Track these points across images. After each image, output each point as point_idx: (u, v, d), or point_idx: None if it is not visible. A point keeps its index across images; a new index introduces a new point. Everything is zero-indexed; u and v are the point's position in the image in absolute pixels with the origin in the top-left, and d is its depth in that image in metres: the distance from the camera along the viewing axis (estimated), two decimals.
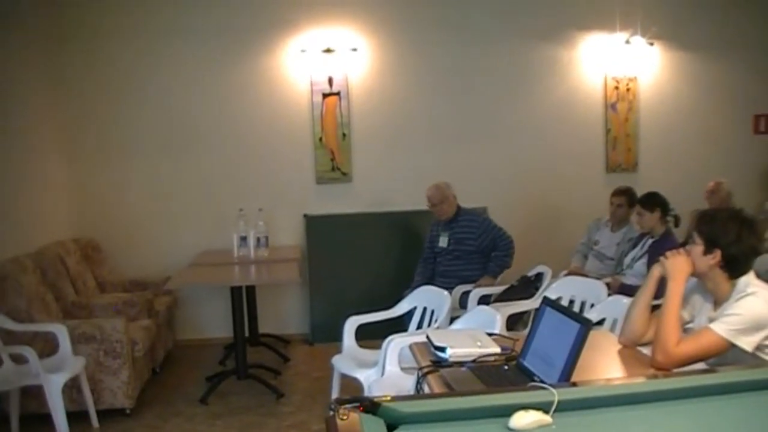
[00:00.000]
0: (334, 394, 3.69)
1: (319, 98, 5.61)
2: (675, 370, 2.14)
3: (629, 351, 2.39)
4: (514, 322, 4.11)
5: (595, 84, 5.96)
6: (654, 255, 3.91)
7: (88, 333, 3.94)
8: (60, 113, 5.41)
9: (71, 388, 3.82)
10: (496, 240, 4.76)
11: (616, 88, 5.97)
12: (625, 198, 4.85)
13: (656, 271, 2.40)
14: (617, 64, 5.93)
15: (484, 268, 4.78)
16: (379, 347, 3.36)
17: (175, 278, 4.65)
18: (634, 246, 4.56)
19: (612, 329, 3.04)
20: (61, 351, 3.82)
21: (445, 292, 3.78)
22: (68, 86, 5.43)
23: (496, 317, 3.07)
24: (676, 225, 4.43)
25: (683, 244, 2.39)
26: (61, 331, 3.83)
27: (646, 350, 2.34)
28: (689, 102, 6.08)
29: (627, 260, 4.54)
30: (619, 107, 5.99)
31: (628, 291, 3.82)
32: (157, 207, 5.60)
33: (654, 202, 4.36)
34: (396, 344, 3.17)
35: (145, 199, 5.60)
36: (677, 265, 2.32)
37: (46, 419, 3.63)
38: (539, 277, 4.57)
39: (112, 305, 4.51)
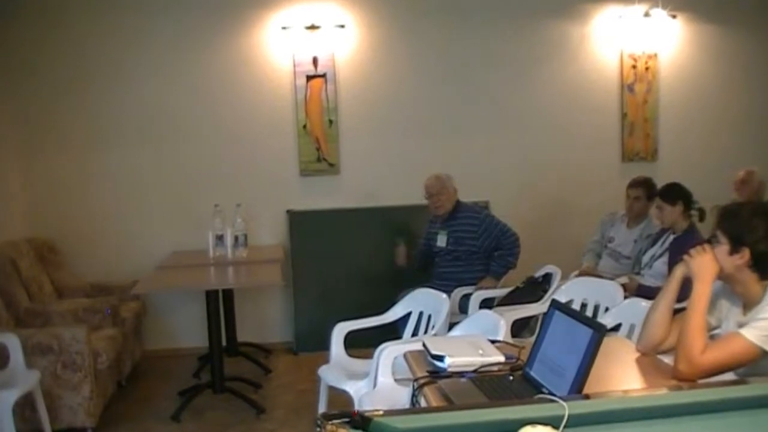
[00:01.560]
0: (321, 409, 3.70)
1: (302, 81, 5.59)
2: (700, 381, 2.13)
3: (648, 359, 2.39)
4: (519, 328, 4.11)
5: (610, 63, 5.96)
6: (676, 253, 3.92)
7: (43, 343, 3.91)
8: (12, 98, 5.38)
9: (23, 405, 3.78)
10: (500, 238, 4.77)
11: (634, 67, 5.97)
12: (643, 190, 4.85)
13: (679, 271, 2.40)
14: (635, 40, 5.93)
15: (486, 269, 4.79)
16: (370, 356, 3.37)
17: (143, 282, 4.64)
18: (653, 243, 4.56)
19: (629, 335, 3.05)
20: (11, 364, 3.78)
21: (444, 295, 3.78)
22: (22, 68, 5.39)
23: (499, 323, 3.06)
24: (701, 219, 4.42)
25: (708, 241, 2.37)
26: (11, 342, 3.79)
27: (667, 359, 2.34)
28: (716, 82, 6.08)
29: (645, 259, 4.54)
30: (637, 88, 5.98)
31: (647, 293, 3.83)
32: (122, 203, 5.59)
33: (676, 194, 4.36)
34: (389, 353, 3.18)
35: (108, 194, 5.58)
36: (703, 265, 2.31)
37: None
38: (547, 278, 4.58)
39: (72, 312, 4.48)
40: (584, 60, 5.93)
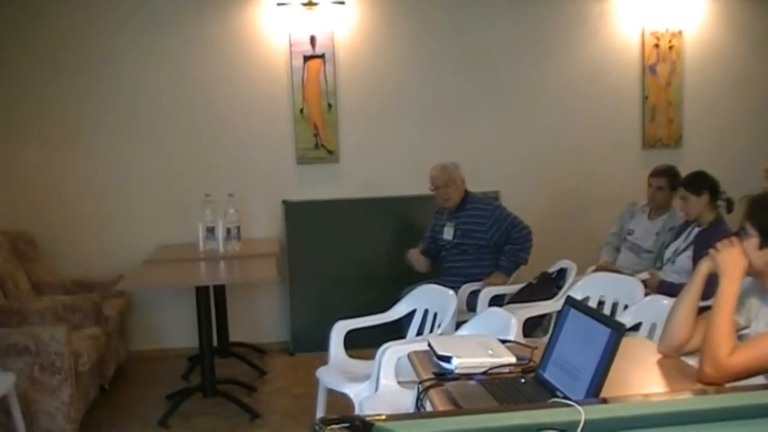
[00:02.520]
0: (319, 413, 3.70)
1: (299, 61, 5.57)
2: (728, 385, 2.12)
3: (671, 361, 2.38)
4: (532, 327, 4.12)
5: (631, 41, 5.93)
6: (701, 247, 3.91)
7: (19, 344, 3.90)
8: None
9: None
10: (510, 231, 4.76)
11: (656, 45, 5.93)
12: (666, 179, 4.83)
13: (705, 266, 2.38)
14: (658, 16, 5.90)
15: (495, 264, 4.79)
16: (371, 357, 3.37)
17: (129, 278, 4.64)
18: (677, 236, 4.54)
19: (650, 335, 3.05)
20: None
21: (450, 292, 3.78)
22: None
23: (510, 321, 3.07)
24: (729, 211, 4.41)
25: (737, 234, 2.36)
26: None
27: (691, 361, 2.33)
28: (746, 62, 6.05)
29: (668, 253, 4.53)
30: (660, 69, 5.95)
31: (669, 290, 3.82)
32: (106, 193, 5.58)
33: (701, 183, 4.35)
34: (392, 353, 3.18)
35: (91, 184, 5.57)
36: (731, 259, 2.30)
37: None
38: (562, 273, 4.58)
39: (51, 310, 4.48)
40: (602, 39, 5.90)
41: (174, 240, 5.45)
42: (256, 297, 5.73)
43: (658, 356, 2.41)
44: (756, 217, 2.30)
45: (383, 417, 1.65)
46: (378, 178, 5.76)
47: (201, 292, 4.47)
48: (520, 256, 4.77)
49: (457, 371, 2.25)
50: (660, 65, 5.95)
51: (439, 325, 3.66)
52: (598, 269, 4.66)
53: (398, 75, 5.73)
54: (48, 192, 5.53)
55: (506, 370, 2.26)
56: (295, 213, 5.64)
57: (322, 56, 5.58)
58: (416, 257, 4.94)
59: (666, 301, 2.97)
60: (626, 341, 2.03)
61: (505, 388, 2.14)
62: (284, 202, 5.65)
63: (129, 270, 4.89)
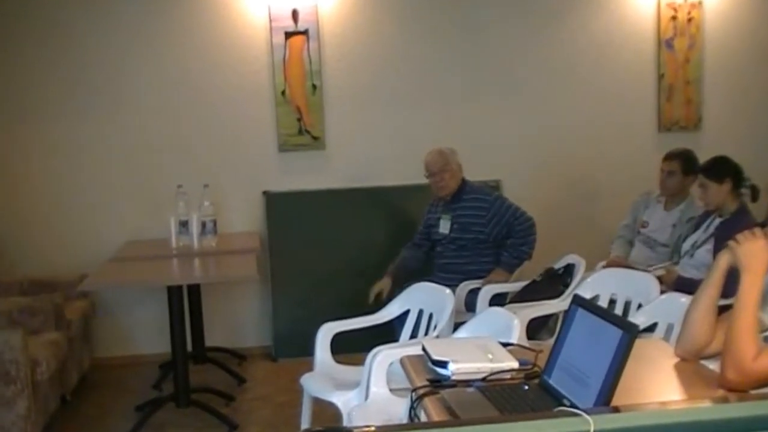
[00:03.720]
0: (305, 424, 3.71)
1: (280, 38, 5.55)
2: (752, 392, 2.12)
3: (689, 365, 2.38)
4: (536, 328, 4.13)
5: (645, 13, 5.93)
6: (722, 239, 3.87)
7: None
8: None
9: None
10: (512, 224, 4.78)
11: (674, 18, 5.93)
12: (679, 163, 4.83)
13: (724, 259, 2.37)
14: None
15: (496, 260, 4.80)
16: (361, 363, 3.38)
17: (93, 277, 4.61)
18: (696, 228, 4.55)
19: (666, 337, 3.06)
20: None
21: (447, 291, 3.78)
22: None
23: (512, 322, 3.07)
24: (754, 200, 4.41)
25: (762, 225, 2.35)
26: None
27: (712, 364, 2.33)
28: None
29: (686, 246, 4.54)
30: (677, 44, 5.95)
31: (688, 286, 3.80)
32: (66, 184, 5.56)
33: (723, 170, 4.34)
34: (383, 358, 3.19)
35: (50, 174, 5.55)
36: (754, 253, 2.29)
37: None
38: (569, 269, 4.58)
39: (6, 313, 4.45)
40: (613, 11, 5.90)
41: (143, 235, 5.44)
42: (234, 297, 5.73)
43: (676, 360, 2.41)
44: None
45: (373, 428, 1.66)
46: (368, 166, 5.76)
47: (173, 293, 4.46)
48: (523, 251, 4.78)
49: (454, 377, 2.25)
50: (677, 39, 5.94)
51: (435, 327, 3.66)
52: (609, 265, 4.66)
53: (390, 52, 5.72)
54: (3, 184, 5.50)
55: (508, 375, 2.26)
56: (277, 205, 5.64)
57: (305, 32, 5.56)
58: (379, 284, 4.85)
59: (684, 299, 2.98)
60: (640, 343, 2.03)
61: (507, 396, 2.14)
62: (265, 193, 5.65)
63: (93, 268, 4.86)
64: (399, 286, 4.57)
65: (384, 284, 4.83)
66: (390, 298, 4.33)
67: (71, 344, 4.74)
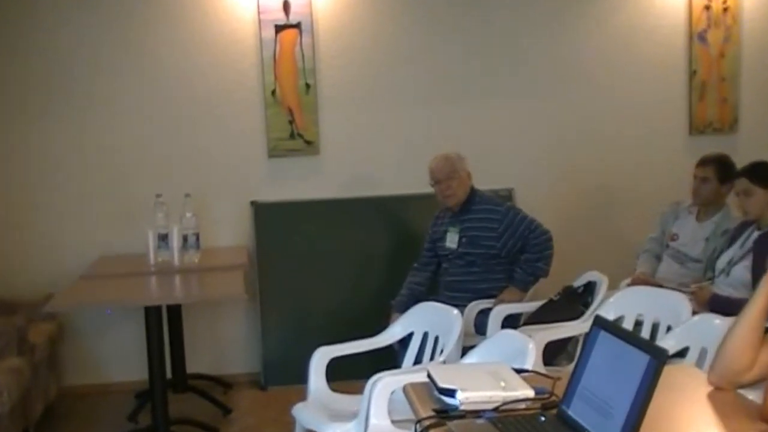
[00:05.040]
0: None
1: (270, 32, 5.57)
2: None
3: (726, 395, 2.36)
4: (553, 353, 4.11)
5: (675, 3, 5.94)
6: (762, 254, 3.89)
7: None
8: None
9: None
10: (527, 237, 4.77)
11: (707, 8, 5.94)
12: (714, 169, 4.82)
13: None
14: None
15: (509, 278, 4.79)
16: (359, 391, 3.38)
17: (61, 296, 4.60)
18: (732, 242, 4.53)
19: (699, 363, 3.04)
20: None
21: (455, 311, 3.78)
22: None
23: (527, 346, 3.06)
24: None
25: None
26: None
27: (752, 395, 2.31)
28: None
29: (721, 263, 4.51)
30: (711, 37, 5.96)
31: (723, 306, 3.83)
32: (31, 194, 5.55)
33: (765, 175, 4.32)
34: (385, 386, 3.17)
35: (13, 182, 5.55)
36: None
37: None
38: (590, 288, 4.59)
39: None
40: (638, 1, 5.91)
41: (118, 250, 5.44)
42: (219, 319, 5.73)
43: (710, 388, 2.39)
44: None
45: None
46: (367, 173, 5.77)
47: (151, 314, 4.45)
48: (538, 268, 4.77)
49: (462, 407, 2.23)
50: (711, 32, 5.95)
51: (441, 352, 3.66)
52: (635, 282, 4.64)
53: (392, 48, 5.74)
54: None
55: (522, 405, 2.25)
56: (267, 216, 5.64)
57: (297, 26, 5.58)
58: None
59: (718, 321, 2.98)
60: (669, 370, 2.01)
61: (521, 428, 2.12)
62: (253, 203, 5.66)
63: (62, 287, 4.84)
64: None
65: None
66: None
67: (35, 371, 4.72)
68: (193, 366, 5.51)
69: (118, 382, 5.54)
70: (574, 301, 4.55)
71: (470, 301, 4.68)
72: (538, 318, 4.50)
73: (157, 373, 4.44)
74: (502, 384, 2.30)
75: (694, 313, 3.64)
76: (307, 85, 5.64)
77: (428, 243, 5.02)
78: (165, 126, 5.62)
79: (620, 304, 3.93)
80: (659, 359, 1.95)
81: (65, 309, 5.05)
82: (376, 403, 3.15)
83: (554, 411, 2.20)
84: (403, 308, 4.55)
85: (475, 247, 4.79)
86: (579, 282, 4.65)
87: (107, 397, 5.43)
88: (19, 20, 5.44)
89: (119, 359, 5.58)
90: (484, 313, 4.59)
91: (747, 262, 4.28)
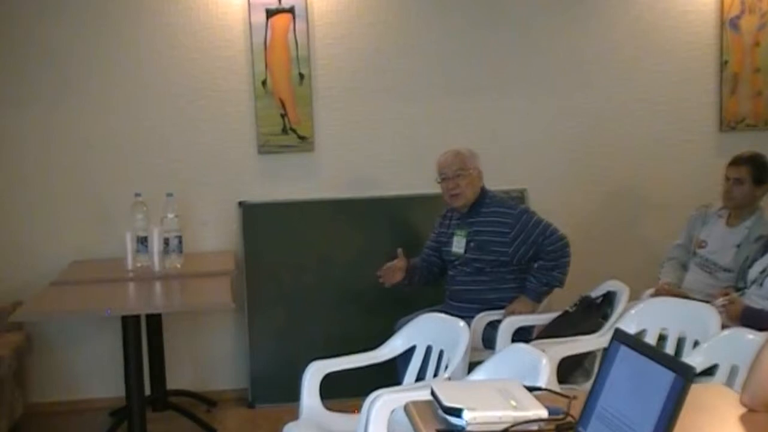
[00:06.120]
0: None
1: (261, 17, 5.57)
2: None
3: (761, 418, 2.35)
4: (569, 369, 4.13)
5: None
6: None
7: None
8: None
9: None
10: (541, 243, 4.76)
11: None
12: (749, 169, 4.82)
13: None
14: None
15: (521, 287, 4.79)
16: (357, 410, 3.39)
17: (29, 305, 4.59)
18: (766, 249, 4.52)
19: (729, 382, 3.03)
20: None
21: (461, 323, 3.78)
22: None
23: (540, 362, 3.03)
24: None
25: None
26: None
27: None
28: None
29: (753, 273, 4.51)
30: (745, 24, 5.96)
31: (757, 320, 3.82)
32: None
33: None
34: (384, 404, 3.16)
35: None
36: None
37: None
38: (609, 298, 4.57)
39: None
40: None
41: (92, 254, 5.46)
42: (203, 330, 5.73)
43: (742, 410, 2.37)
44: None
45: None
46: (365, 172, 5.78)
47: (129, 324, 4.45)
48: (553, 276, 4.76)
49: (469, 428, 2.23)
50: (745, 18, 5.95)
51: (446, 367, 3.66)
52: (658, 293, 4.65)
53: (394, 36, 5.74)
54: None
55: (535, 426, 2.25)
56: (256, 218, 5.66)
57: (290, 10, 5.58)
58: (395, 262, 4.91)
59: (752, 336, 2.96)
60: (696, 389, 1.99)
61: None
62: (241, 203, 5.67)
63: (30, 295, 4.84)
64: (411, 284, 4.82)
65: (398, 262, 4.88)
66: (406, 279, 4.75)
67: (0, 387, 4.72)
68: (174, 382, 5.52)
69: (91, 398, 5.54)
70: (591, 313, 4.53)
71: (478, 312, 4.68)
72: (553, 331, 4.48)
73: (134, 390, 4.43)
74: (513, 403, 2.30)
75: (724, 327, 3.63)
76: (301, 75, 5.64)
77: (432, 242, 5.02)
78: (145, 118, 5.62)
79: (642, 317, 3.92)
80: (686, 377, 1.94)
81: (34, 318, 5.05)
82: (375, 423, 3.14)
83: None
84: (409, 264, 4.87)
85: (484, 252, 4.78)
86: (597, 292, 4.63)
87: (79, 415, 5.43)
88: None
89: (93, 374, 5.58)
90: (492, 326, 4.60)
91: None
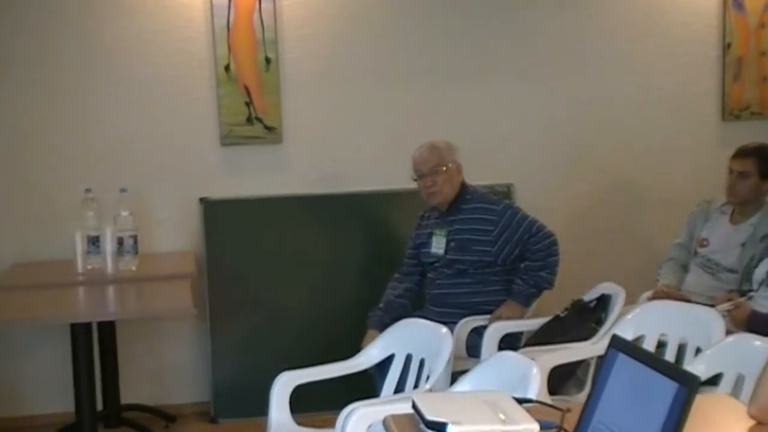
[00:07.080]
0: None
1: None
2: None
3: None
4: (561, 379, 4.14)
5: None
6: None
7: None
8: None
9: None
10: (528, 242, 4.78)
11: None
12: (754, 162, 4.84)
13: None
14: None
15: (507, 290, 4.80)
16: (330, 424, 3.40)
17: None
18: None
19: (735, 392, 3.05)
20: None
21: (444, 329, 3.79)
22: None
23: (530, 371, 3.04)
24: None
25: None
26: None
27: None
28: None
29: (759, 273, 4.54)
30: (749, 4, 6.00)
31: (763, 325, 3.85)
32: None
33: None
34: (360, 418, 3.18)
35: None
36: None
37: None
38: (603, 302, 4.60)
39: None
40: None
41: (37, 256, 5.44)
42: (161, 339, 5.73)
43: (751, 423, 2.39)
44: None
45: None
46: (338, 166, 5.78)
47: (79, 333, 4.44)
48: (541, 277, 4.77)
49: None
50: None
51: (428, 378, 3.67)
52: (657, 296, 4.67)
53: (370, 19, 5.75)
54: None
55: None
56: (219, 216, 5.65)
57: None
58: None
59: (759, 343, 2.97)
60: (701, 400, 2.01)
61: None
62: (202, 200, 5.66)
63: None
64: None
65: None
66: None
67: None
68: (128, 395, 5.51)
69: (37, 414, 5.51)
70: (584, 317, 4.56)
71: (461, 317, 4.68)
72: (543, 338, 4.51)
73: (85, 404, 4.42)
74: (501, 416, 2.30)
75: (728, 332, 3.66)
76: (267, 60, 5.63)
77: (411, 249, 5.02)
78: (95, 106, 5.59)
79: (640, 322, 3.95)
80: (690, 388, 1.95)
81: None
82: None
83: None
84: (382, 325, 4.59)
85: (466, 253, 4.78)
86: (591, 295, 4.66)
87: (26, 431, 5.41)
88: None
89: (39, 387, 5.55)
90: (477, 332, 4.60)
91: None
